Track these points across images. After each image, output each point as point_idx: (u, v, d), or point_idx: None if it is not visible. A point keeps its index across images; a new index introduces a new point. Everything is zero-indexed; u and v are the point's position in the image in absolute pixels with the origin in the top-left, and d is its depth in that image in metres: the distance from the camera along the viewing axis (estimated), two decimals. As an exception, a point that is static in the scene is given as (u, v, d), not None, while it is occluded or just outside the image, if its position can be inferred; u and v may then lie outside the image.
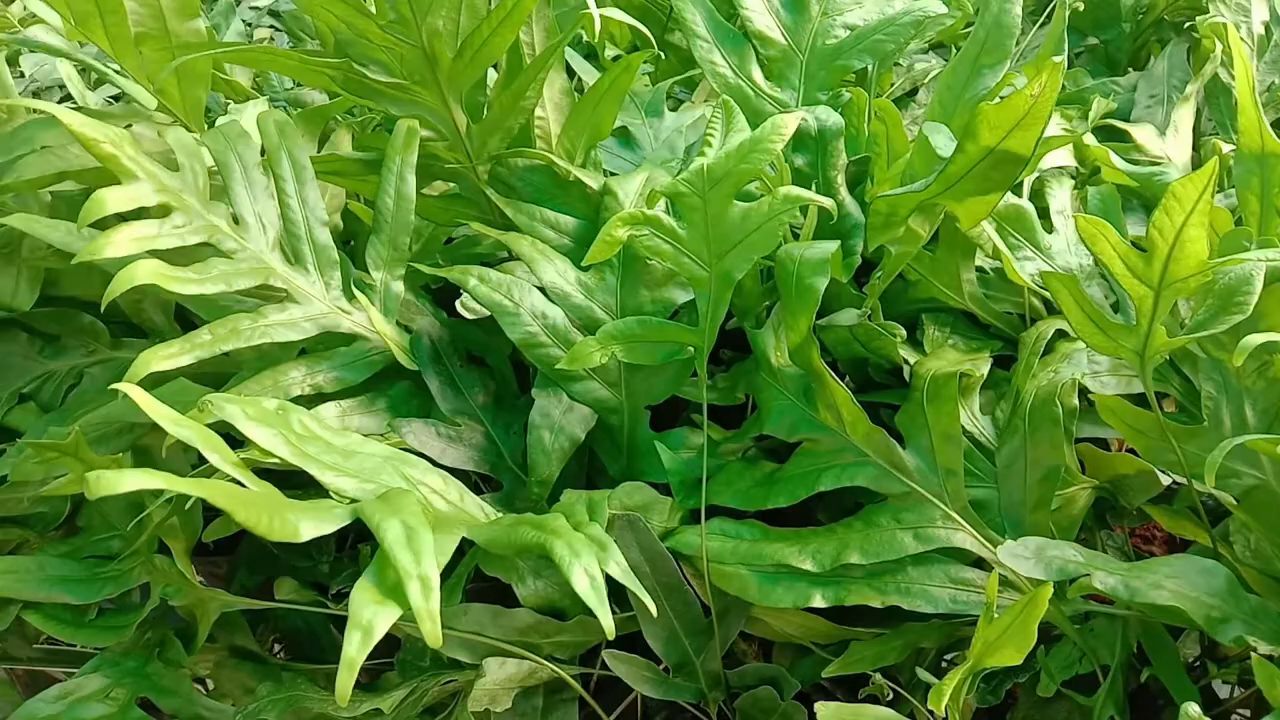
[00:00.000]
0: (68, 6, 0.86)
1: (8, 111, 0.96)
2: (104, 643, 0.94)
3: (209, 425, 0.67)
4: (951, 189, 0.62)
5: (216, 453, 0.59)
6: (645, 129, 1.03)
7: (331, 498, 0.65)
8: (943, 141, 0.66)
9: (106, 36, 0.88)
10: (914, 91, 1.10)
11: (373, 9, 0.82)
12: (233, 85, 1.22)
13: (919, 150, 0.76)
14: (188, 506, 0.86)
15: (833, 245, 0.75)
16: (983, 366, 0.78)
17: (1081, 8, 1.09)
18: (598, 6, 0.82)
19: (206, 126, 0.98)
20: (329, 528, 0.56)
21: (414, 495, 0.60)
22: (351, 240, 1.17)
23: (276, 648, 1.09)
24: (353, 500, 0.63)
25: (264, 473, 0.65)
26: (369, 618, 0.50)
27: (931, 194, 0.64)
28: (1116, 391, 0.80)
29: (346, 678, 0.48)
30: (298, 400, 0.85)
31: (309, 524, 0.54)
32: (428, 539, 0.55)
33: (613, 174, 1.01)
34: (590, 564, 0.57)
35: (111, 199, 0.74)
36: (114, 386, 0.61)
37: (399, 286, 0.91)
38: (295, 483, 0.71)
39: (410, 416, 0.89)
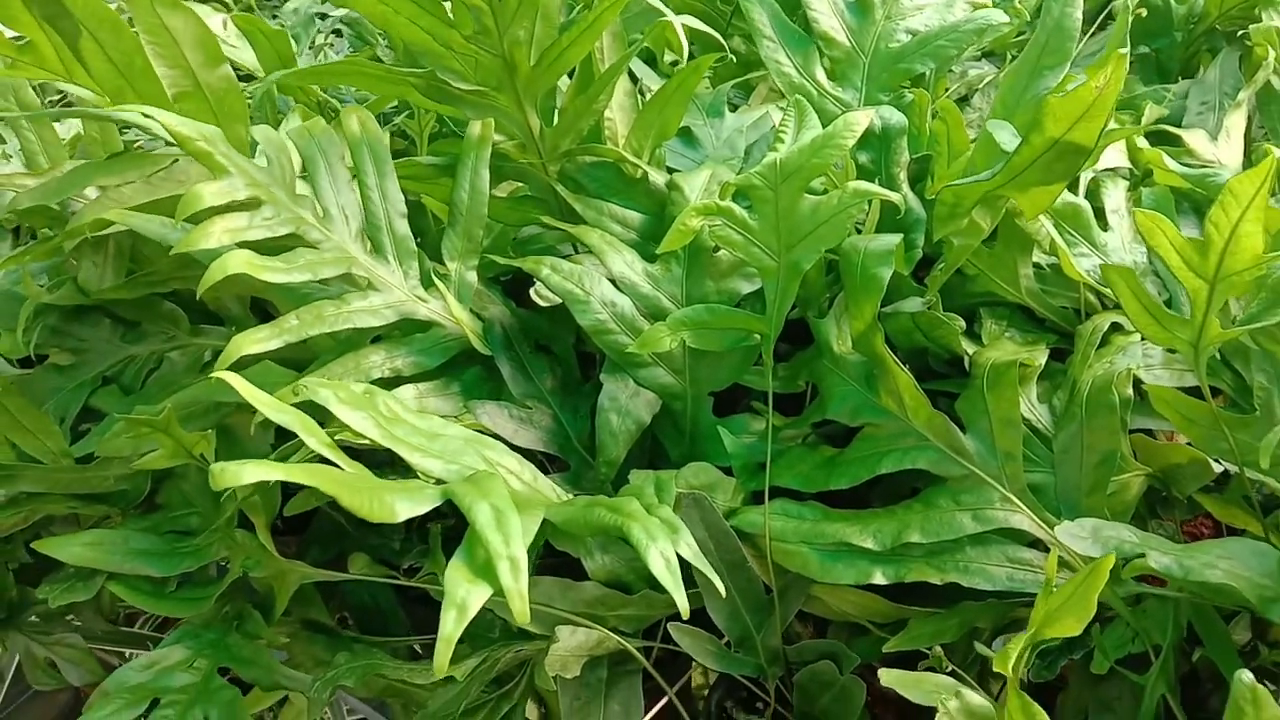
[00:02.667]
0: (100, 85, 0.91)
1: (50, 160, 1.02)
2: (184, 613, 0.99)
3: (296, 406, 0.72)
4: (1016, 179, 0.65)
5: (314, 436, 0.63)
6: (707, 129, 1.07)
7: (418, 478, 0.70)
8: (1007, 137, 0.69)
9: (142, 101, 0.92)
10: (968, 97, 1.13)
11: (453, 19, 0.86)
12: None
13: (981, 147, 0.79)
14: (270, 484, 0.90)
15: (896, 238, 0.79)
16: (1040, 356, 0.80)
17: (1144, 14, 1.12)
18: (664, 12, 0.85)
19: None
20: (423, 508, 0.59)
21: (499, 478, 0.63)
22: (420, 237, 1.22)
23: (345, 622, 1.13)
24: (439, 480, 0.67)
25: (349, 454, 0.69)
26: (463, 596, 0.53)
27: (997, 184, 0.67)
28: (1169, 383, 0.83)
29: (444, 650, 0.51)
30: (377, 383, 0.89)
31: (404, 505, 0.58)
32: (515, 521, 0.58)
33: (676, 171, 1.05)
34: (665, 547, 0.60)
35: (208, 193, 0.79)
36: (212, 375, 0.65)
37: (473, 276, 0.95)
38: (371, 462, 0.75)
39: (482, 397, 0.93)
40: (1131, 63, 1.25)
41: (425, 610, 1.06)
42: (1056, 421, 0.79)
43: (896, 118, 0.86)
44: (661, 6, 0.83)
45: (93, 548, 0.98)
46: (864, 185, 0.76)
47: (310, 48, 1.23)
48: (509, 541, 0.57)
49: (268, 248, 0.86)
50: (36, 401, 1.13)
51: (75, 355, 1.16)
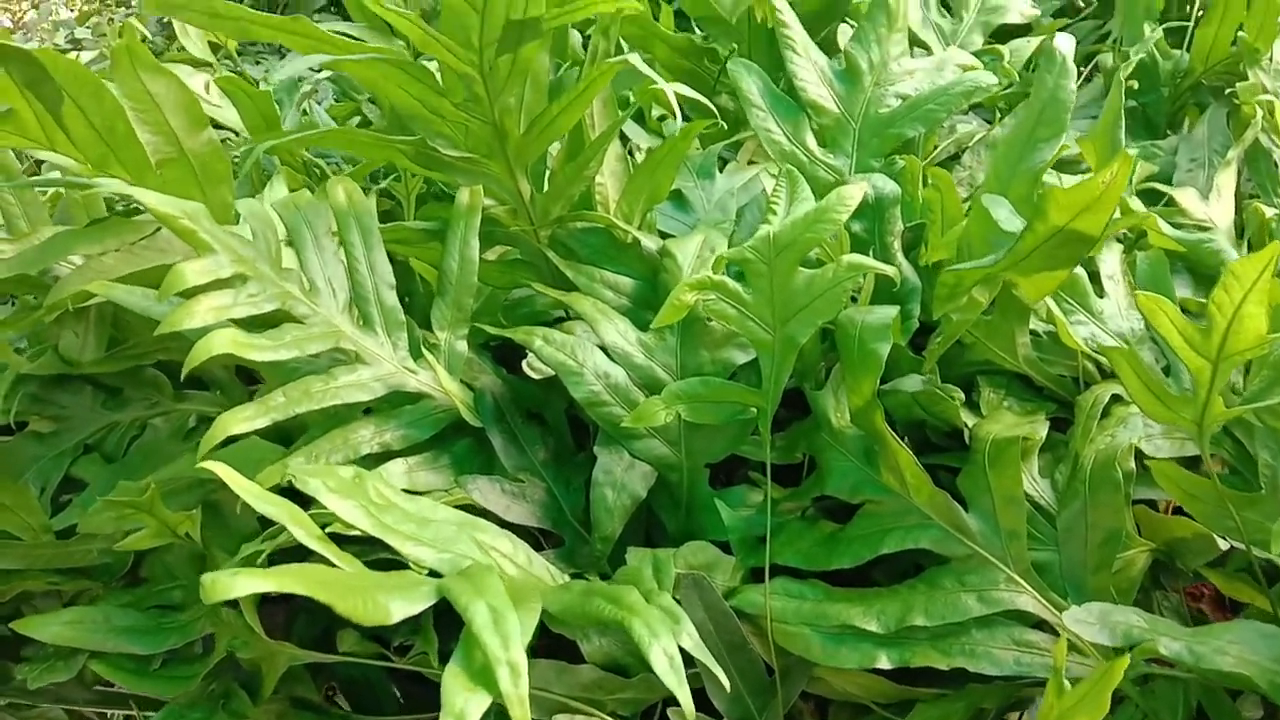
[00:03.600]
0: (82, 153, 0.89)
1: (30, 223, 1.00)
2: (169, 693, 0.96)
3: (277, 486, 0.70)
4: (1019, 264, 0.65)
5: (303, 529, 0.61)
6: (698, 191, 1.06)
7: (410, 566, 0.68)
8: (1004, 215, 0.69)
9: (125, 168, 0.91)
10: (957, 155, 1.13)
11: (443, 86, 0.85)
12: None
13: (976, 219, 0.78)
14: (258, 562, 0.88)
15: (893, 311, 0.78)
16: (1041, 430, 0.79)
17: (1136, 86, 1.12)
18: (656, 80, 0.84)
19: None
20: (417, 607, 0.58)
21: (494, 571, 0.62)
22: (408, 298, 1.20)
23: (335, 697, 1.10)
24: (432, 571, 0.66)
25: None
26: (462, 705, 0.51)
27: (1000, 269, 0.66)
28: (1170, 454, 0.82)
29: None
30: (366, 458, 0.87)
31: (399, 605, 0.56)
32: (514, 621, 0.57)
33: (668, 235, 1.04)
34: (668, 643, 0.59)
35: (191, 272, 0.77)
36: (200, 464, 0.63)
37: (463, 346, 0.93)
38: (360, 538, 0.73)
39: (473, 470, 0.91)
40: (1118, 116, 1.26)
41: (418, 687, 1.04)
42: (1059, 498, 0.78)
43: (890, 187, 0.86)
44: (652, 74, 0.83)
45: (74, 626, 0.96)
46: (859, 259, 0.75)
47: (295, 107, 1.22)
48: (508, 644, 0.56)
49: (254, 322, 0.84)
50: (16, 471, 1.11)
51: (56, 422, 1.13)
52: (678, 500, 0.89)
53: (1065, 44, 0.76)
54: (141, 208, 1.03)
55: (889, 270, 0.75)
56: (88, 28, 2.43)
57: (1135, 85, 1.24)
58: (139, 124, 0.92)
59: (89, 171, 0.96)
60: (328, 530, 0.66)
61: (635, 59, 0.80)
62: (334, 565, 0.61)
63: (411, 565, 0.68)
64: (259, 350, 0.80)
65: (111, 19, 2.46)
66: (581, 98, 0.87)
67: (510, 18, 0.81)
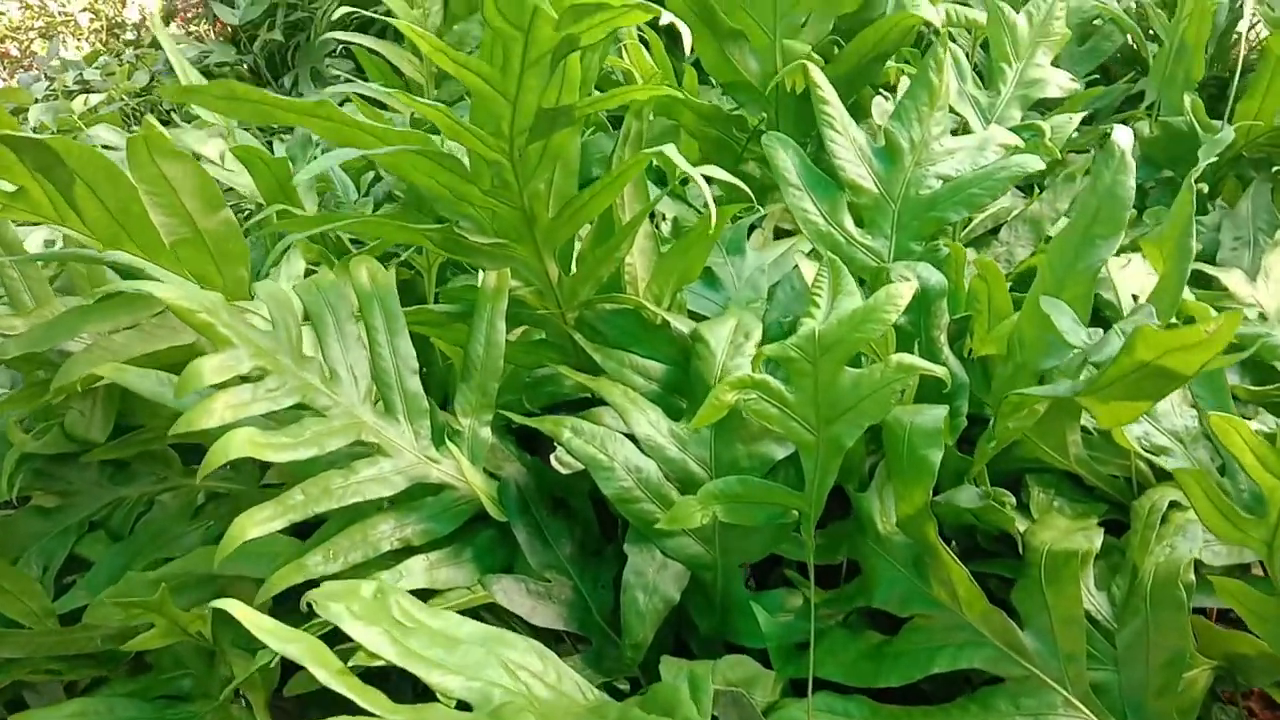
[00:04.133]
0: (93, 232, 0.87)
1: (36, 298, 0.97)
2: (174, 790, 0.92)
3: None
4: (1098, 393, 0.61)
5: (325, 669, 0.58)
6: (728, 268, 1.03)
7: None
8: (1068, 325, 0.65)
9: (138, 247, 0.89)
10: (996, 229, 1.09)
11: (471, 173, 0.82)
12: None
13: (1030, 319, 0.75)
14: (270, 664, 0.84)
15: (943, 411, 0.74)
16: (1096, 539, 0.75)
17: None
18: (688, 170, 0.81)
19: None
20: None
21: (525, 710, 0.58)
22: (425, 368, 1.17)
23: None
24: (460, 703, 0.62)
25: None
26: None
27: (1076, 397, 0.63)
28: (1229, 561, 0.78)
29: None
30: (385, 555, 0.84)
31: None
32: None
33: (697, 314, 1.01)
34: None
35: (208, 370, 0.74)
36: (215, 605, 0.59)
37: (486, 433, 0.90)
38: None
39: (496, 565, 0.88)
40: (1152, 187, 1.23)
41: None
42: (1118, 613, 0.74)
43: (935, 278, 0.82)
44: (684, 164, 0.79)
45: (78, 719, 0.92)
46: (910, 360, 0.72)
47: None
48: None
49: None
50: (17, 548, 1.07)
51: (61, 497, 1.10)
52: (712, 600, 0.85)
53: (1124, 138, 0.73)
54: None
55: (939, 372, 0.72)
56: (96, 68, 2.41)
57: (1171, 150, 1.22)
58: (153, 207, 0.90)
59: (99, 249, 0.93)
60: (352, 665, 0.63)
61: (671, 150, 0.77)
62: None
63: (439, 695, 0.64)
64: (278, 450, 0.77)
65: (119, 57, 2.45)
66: (614, 184, 0.84)
67: (543, 106, 0.78)
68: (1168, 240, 0.66)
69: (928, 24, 1.07)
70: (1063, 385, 0.64)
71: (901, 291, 0.73)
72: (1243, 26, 1.51)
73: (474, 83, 0.77)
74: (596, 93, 0.90)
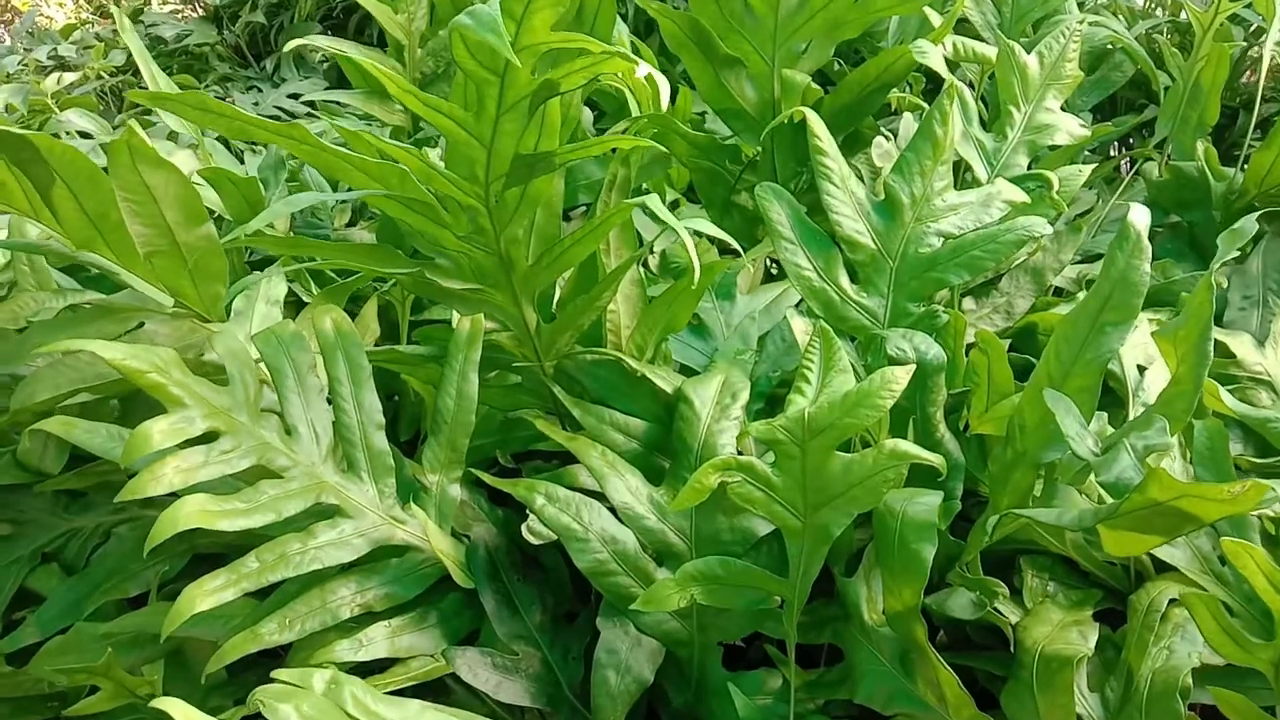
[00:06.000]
0: (68, 233, 0.82)
1: (12, 318, 0.92)
2: None
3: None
4: (1106, 523, 0.57)
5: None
6: (716, 314, 0.98)
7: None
8: (1074, 431, 0.61)
9: (112, 252, 0.85)
10: (997, 279, 1.05)
11: (448, 217, 0.77)
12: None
13: (1031, 405, 0.71)
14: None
15: (936, 499, 0.70)
16: (1091, 637, 0.72)
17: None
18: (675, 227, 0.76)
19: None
20: None
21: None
22: (396, 395, 1.12)
23: None
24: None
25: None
26: None
27: (1081, 526, 0.59)
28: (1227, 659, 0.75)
29: None
30: (346, 622, 0.79)
31: None
32: None
33: (685, 366, 0.96)
34: None
35: (157, 433, 0.69)
36: (154, 704, 0.55)
37: (455, 490, 0.85)
38: None
39: (462, 629, 0.84)
40: (1160, 230, 1.19)
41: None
42: (1110, 718, 0.70)
43: (933, 351, 0.78)
44: (669, 217, 0.73)
45: (19, 773, 0.88)
46: (905, 447, 0.68)
47: (280, 186, 1.14)
48: None
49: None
50: (-36, 580, 1.02)
51: (13, 526, 1.05)
52: (688, 678, 0.81)
53: (1140, 218, 0.68)
54: (126, 285, 0.96)
55: (936, 461, 0.68)
56: (72, 43, 2.33)
57: (1180, 196, 1.17)
58: (131, 216, 0.85)
59: (72, 249, 0.88)
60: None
61: (654, 202, 0.72)
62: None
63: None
64: (231, 518, 0.73)
65: (97, 34, 2.36)
66: (595, 233, 0.79)
67: (520, 153, 0.73)
68: (1184, 340, 0.61)
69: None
70: (1069, 515, 0.60)
71: (898, 375, 0.68)
72: (1257, 51, 1.46)
73: (447, 126, 0.71)
74: (587, 112, 0.85)
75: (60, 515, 1.05)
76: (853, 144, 1.19)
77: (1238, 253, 1.03)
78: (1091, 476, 0.64)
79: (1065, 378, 0.69)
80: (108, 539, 1.05)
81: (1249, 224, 0.69)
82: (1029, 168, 1.00)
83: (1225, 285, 1.04)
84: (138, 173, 0.81)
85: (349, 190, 0.80)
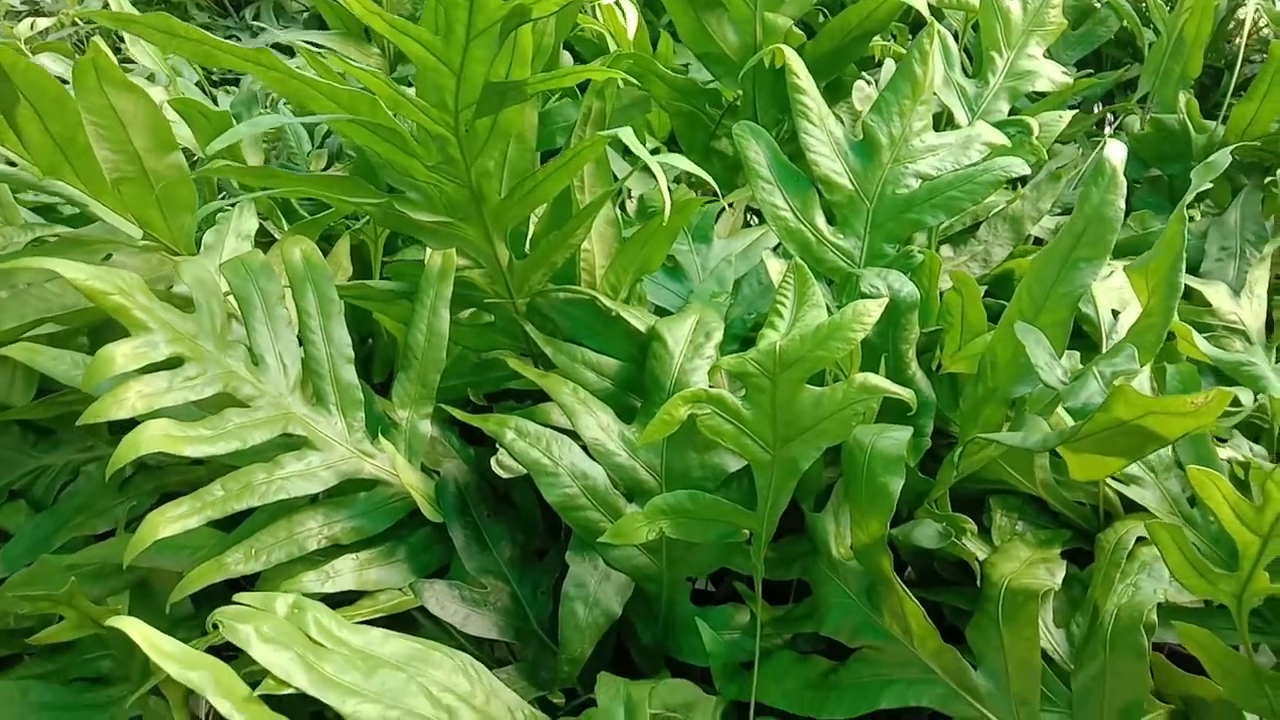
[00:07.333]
0: (34, 157, 0.81)
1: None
2: (88, 780, 0.88)
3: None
4: (1070, 443, 0.57)
5: (230, 700, 0.54)
6: (692, 256, 0.98)
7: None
8: (1044, 361, 0.61)
9: (80, 180, 0.83)
10: (975, 225, 1.04)
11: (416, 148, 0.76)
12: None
13: (1003, 341, 0.71)
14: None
15: (906, 434, 0.70)
16: (1058, 573, 0.72)
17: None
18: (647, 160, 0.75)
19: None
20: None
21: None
22: (370, 338, 1.11)
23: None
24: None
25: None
26: None
27: (1045, 447, 0.58)
28: (1194, 601, 0.75)
29: None
30: (314, 554, 0.79)
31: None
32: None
33: (659, 307, 0.96)
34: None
35: (120, 356, 0.68)
36: (111, 623, 0.55)
37: (426, 426, 0.85)
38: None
39: (431, 564, 0.83)
40: (1139, 184, 1.18)
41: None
42: (1076, 654, 0.71)
43: (907, 289, 0.78)
44: (642, 151, 0.73)
45: (-15, 704, 0.87)
46: (875, 381, 0.68)
47: (260, 109, 1.12)
48: None
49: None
50: (-68, 517, 1.01)
51: (-21, 464, 1.04)
52: (656, 614, 0.81)
53: (1116, 154, 0.67)
54: (96, 218, 0.95)
55: (906, 395, 0.67)
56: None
57: (1161, 149, 1.17)
58: (98, 140, 0.84)
59: (38, 176, 0.86)
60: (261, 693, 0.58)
61: (628, 135, 0.71)
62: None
63: (354, 725, 0.60)
64: (196, 444, 0.72)
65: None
66: (569, 166, 0.78)
67: (491, 80, 0.72)
68: (1155, 272, 0.61)
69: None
70: (1034, 437, 0.60)
71: (870, 309, 0.68)
72: (1243, 13, 1.46)
73: (415, 51, 0.70)
74: (568, 57, 0.84)
75: (28, 453, 1.04)
76: (834, 93, 1.18)
77: (1217, 210, 1.03)
78: (1060, 409, 0.64)
79: (1038, 313, 0.69)
80: (76, 477, 1.05)
81: (1222, 158, 0.69)
82: (1010, 115, 0.99)
83: (1203, 236, 1.03)
84: (104, 94, 0.80)
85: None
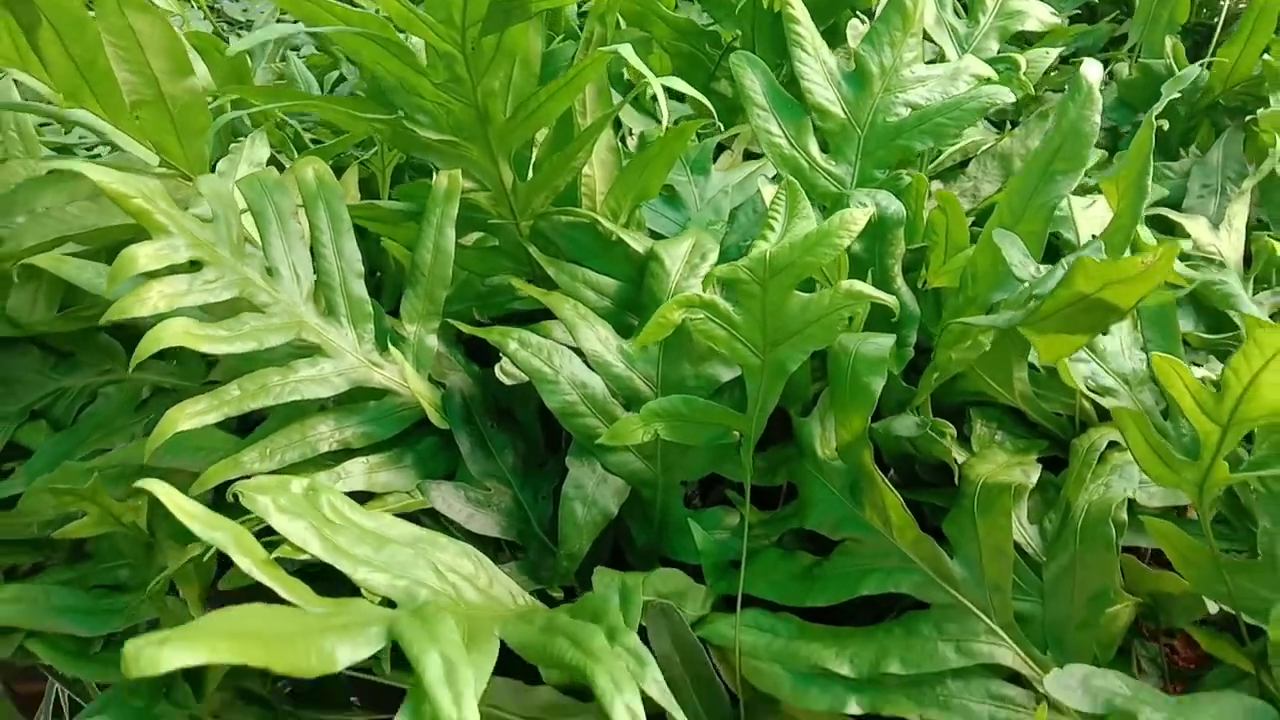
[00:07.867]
0: (55, 82, 0.84)
1: (2, 185, 0.94)
2: (108, 678, 0.92)
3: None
4: (1036, 324, 0.61)
5: (249, 558, 0.57)
6: (690, 186, 1.01)
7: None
8: (1018, 259, 0.64)
9: (100, 105, 0.86)
10: (965, 162, 1.08)
11: (425, 64, 0.79)
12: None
13: (983, 251, 0.74)
14: (205, 558, 0.84)
15: (889, 340, 0.74)
16: (1033, 475, 0.76)
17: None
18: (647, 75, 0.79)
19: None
20: (365, 652, 0.54)
21: (448, 614, 0.57)
22: (379, 272, 1.15)
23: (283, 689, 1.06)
24: (385, 600, 0.62)
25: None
26: None
27: (1011, 326, 0.62)
28: (1163, 503, 0.79)
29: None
30: (324, 456, 0.83)
31: (345, 650, 0.52)
32: (467, 676, 0.53)
33: (656, 234, 0.99)
34: (631, 698, 0.55)
35: (143, 256, 0.72)
36: (139, 484, 0.58)
37: (433, 340, 0.89)
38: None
39: (437, 471, 0.87)
40: (1127, 131, 1.21)
41: (368, 684, 1.00)
42: (1048, 547, 0.75)
43: (894, 206, 0.81)
44: (643, 67, 0.77)
45: (11, 605, 0.92)
46: (860, 287, 0.71)
47: (268, 63, 1.15)
48: (459, 702, 0.52)
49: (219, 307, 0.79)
50: (-44, 435, 1.06)
51: (2, 386, 1.08)
52: (650, 516, 0.85)
53: (1093, 72, 0.71)
54: (115, 147, 0.98)
55: (889, 301, 0.71)
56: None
57: (1145, 95, 1.20)
58: (117, 61, 0.87)
59: (60, 102, 0.90)
60: (277, 555, 0.62)
61: (627, 51, 0.75)
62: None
63: (364, 591, 0.64)
64: (214, 342, 0.75)
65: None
66: (571, 85, 0.82)
67: (498, -3, 0.75)
68: (1124, 178, 0.64)
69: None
70: (1002, 317, 0.63)
71: (856, 217, 0.71)
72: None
73: (426, -32, 0.74)
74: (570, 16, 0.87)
75: (48, 375, 1.08)
76: (831, 38, 1.21)
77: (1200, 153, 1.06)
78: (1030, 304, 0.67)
79: (1016, 223, 0.72)
80: (95, 399, 1.09)
81: (1191, 71, 0.72)
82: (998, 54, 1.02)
83: (1187, 175, 1.07)
84: (123, 15, 0.83)
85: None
